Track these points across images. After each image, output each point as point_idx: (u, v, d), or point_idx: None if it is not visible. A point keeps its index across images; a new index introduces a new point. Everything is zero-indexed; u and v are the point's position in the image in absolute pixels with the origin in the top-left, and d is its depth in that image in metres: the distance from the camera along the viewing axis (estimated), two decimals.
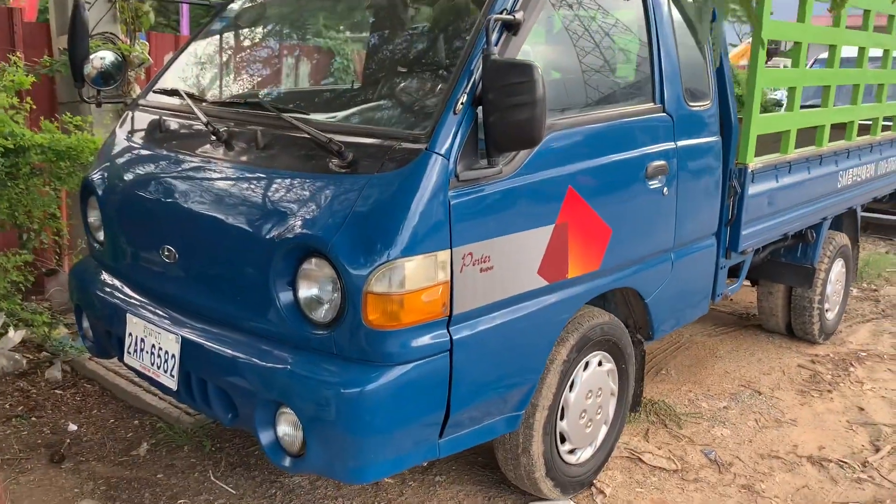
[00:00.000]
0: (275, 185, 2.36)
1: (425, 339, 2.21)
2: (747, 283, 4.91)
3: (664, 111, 3.02)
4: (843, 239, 4.89)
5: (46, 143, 3.56)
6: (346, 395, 2.14)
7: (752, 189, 3.61)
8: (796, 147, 4.04)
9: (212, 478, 3.07)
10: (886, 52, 4.91)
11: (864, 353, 4.78)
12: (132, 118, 3.06)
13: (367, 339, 2.15)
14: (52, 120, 4.07)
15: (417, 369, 2.21)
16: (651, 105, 2.99)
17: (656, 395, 3.98)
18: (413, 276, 2.14)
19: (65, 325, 4.34)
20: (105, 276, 2.92)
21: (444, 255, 2.20)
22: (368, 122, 2.54)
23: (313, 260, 2.20)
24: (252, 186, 2.40)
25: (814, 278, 4.52)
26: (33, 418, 3.49)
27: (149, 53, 4.67)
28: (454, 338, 2.27)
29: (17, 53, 4.00)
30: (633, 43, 3.02)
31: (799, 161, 4.05)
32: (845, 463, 3.43)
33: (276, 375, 2.24)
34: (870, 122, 4.94)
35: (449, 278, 2.22)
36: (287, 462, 2.28)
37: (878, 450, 3.57)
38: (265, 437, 2.30)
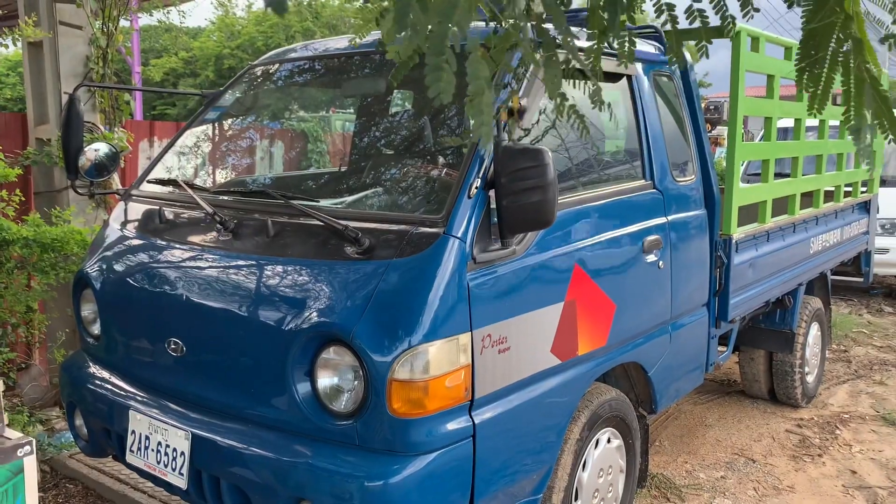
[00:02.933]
0: (287, 274, 2.34)
1: (449, 426, 2.18)
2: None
3: (655, 187, 3.11)
4: (817, 303, 5.02)
5: (32, 235, 3.49)
6: (370, 488, 2.08)
7: (737, 259, 3.70)
8: (771, 217, 4.18)
9: None
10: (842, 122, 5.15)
11: (847, 415, 4.85)
12: (126, 209, 3.03)
13: (392, 428, 2.11)
14: (30, 211, 4.00)
15: (442, 457, 2.16)
16: (643, 182, 3.08)
17: (654, 468, 3.95)
18: (436, 361, 2.12)
19: (40, 421, 4.16)
20: (101, 371, 2.82)
21: (465, 339, 2.19)
22: (379, 206, 2.56)
23: (332, 348, 2.17)
24: (264, 275, 2.38)
25: (793, 343, 4.62)
26: None
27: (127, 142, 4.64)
28: (476, 422, 2.25)
29: None
30: (623, 124, 3.13)
31: (775, 230, 4.18)
32: None
33: (295, 470, 2.17)
34: (833, 190, 5.15)
35: (470, 361, 2.21)
36: None
37: None
38: None
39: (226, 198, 2.78)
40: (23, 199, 3.85)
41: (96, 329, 2.87)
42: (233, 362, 2.37)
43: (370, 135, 3.30)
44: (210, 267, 2.51)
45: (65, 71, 4.33)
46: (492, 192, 2.27)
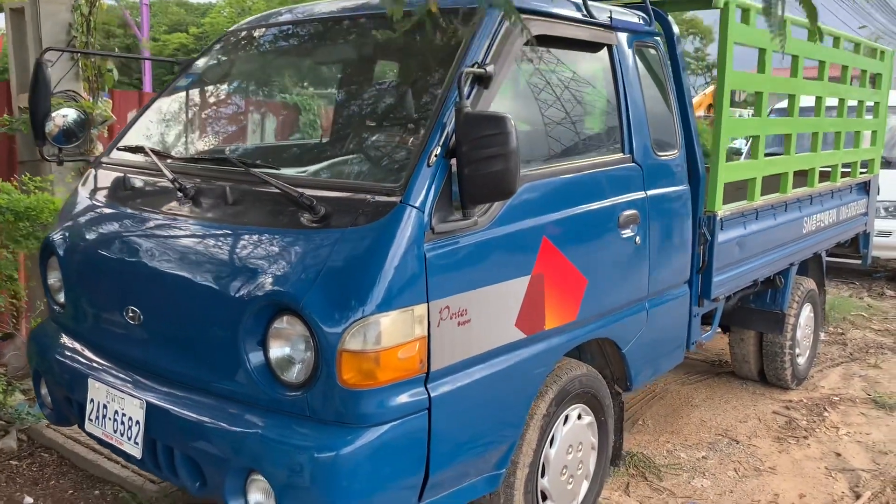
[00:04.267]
0: (244, 242, 2.29)
1: (402, 398, 2.14)
2: (718, 330, 4.93)
3: (633, 161, 3.04)
4: (810, 284, 4.95)
5: (5, 203, 3.46)
6: (320, 459, 2.05)
7: (722, 236, 3.63)
8: (762, 194, 4.10)
9: None
10: (841, 101, 5.05)
11: (837, 398, 4.78)
12: (95, 176, 2.99)
13: (342, 399, 2.07)
14: (12, 179, 3.97)
15: (394, 430, 2.13)
16: (620, 155, 3.00)
17: (634, 447, 3.91)
18: (389, 332, 2.07)
19: (21, 391, 4.16)
20: (66, 340, 2.80)
21: (420, 310, 2.14)
22: (340, 175, 2.51)
23: (285, 318, 2.13)
24: (220, 243, 2.34)
25: (784, 323, 4.54)
26: None
27: (112, 111, 4.60)
28: (432, 395, 2.20)
29: None
30: (602, 95, 3.05)
31: (765, 208, 4.10)
32: None
33: (246, 440, 2.14)
34: (830, 170, 5.05)
35: (426, 333, 2.16)
36: None
37: (858, 496, 3.54)
38: None
39: (190, 165, 2.74)
40: None
41: (62, 297, 2.84)
42: (188, 331, 2.34)
43: (339, 104, 3.24)
44: (168, 234, 2.47)
45: (46, 38, 4.28)
46: (454, 161, 2.22)
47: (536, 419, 2.65)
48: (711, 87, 12.91)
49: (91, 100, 4.29)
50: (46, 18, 4.28)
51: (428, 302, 2.16)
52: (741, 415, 4.44)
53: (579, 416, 2.91)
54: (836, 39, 4.79)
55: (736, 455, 3.92)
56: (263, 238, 2.26)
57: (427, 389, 2.20)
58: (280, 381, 2.16)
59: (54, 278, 2.88)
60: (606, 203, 2.86)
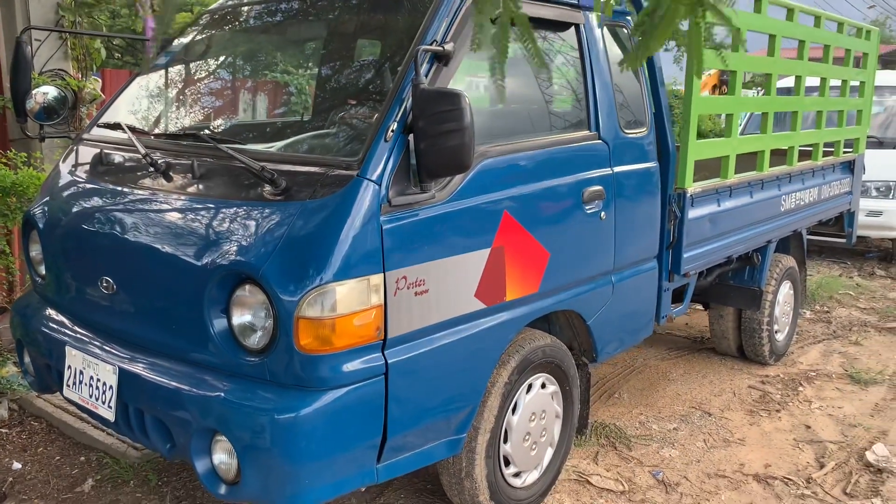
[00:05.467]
0: (209, 214, 2.38)
1: (358, 364, 2.23)
2: (700, 307, 5.01)
3: (599, 138, 3.11)
4: (789, 261, 5.01)
5: None
6: (279, 420, 2.15)
7: (692, 213, 3.70)
8: (739, 172, 4.16)
9: None
10: (823, 80, 5.09)
11: (814, 373, 4.87)
12: (76, 152, 3.08)
13: (300, 364, 2.17)
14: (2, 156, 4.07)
15: (351, 393, 2.23)
16: (586, 133, 3.07)
17: (608, 419, 4.01)
18: (345, 300, 2.17)
19: (13, 362, 4.28)
20: (46, 311, 2.91)
21: (376, 279, 2.23)
22: (303, 150, 2.59)
23: (247, 287, 2.23)
24: (187, 215, 2.43)
25: (761, 300, 4.62)
26: None
27: (101, 89, 4.69)
28: (389, 361, 2.30)
29: None
30: (568, 74, 3.11)
31: (740, 185, 4.16)
32: (790, 480, 3.49)
33: (210, 403, 2.25)
34: (811, 149, 5.10)
35: (382, 302, 2.26)
36: (222, 490, 2.27)
37: (822, 466, 3.63)
38: (201, 466, 2.29)
39: (164, 141, 2.83)
40: None
41: (43, 269, 2.94)
42: (157, 300, 2.44)
43: (304, 81, 3.32)
44: (139, 207, 2.56)
45: (35, 18, 4.37)
46: (412, 137, 2.30)
47: (498, 387, 2.74)
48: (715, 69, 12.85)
49: (80, 78, 4.37)
50: None
51: (384, 272, 2.25)
52: (717, 389, 4.53)
53: (543, 385, 3.01)
54: (817, 19, 4.82)
55: (707, 427, 4.01)
56: (228, 210, 2.36)
57: (384, 355, 2.29)
58: (242, 347, 2.26)
59: (35, 251, 2.98)
60: (570, 179, 2.93)
